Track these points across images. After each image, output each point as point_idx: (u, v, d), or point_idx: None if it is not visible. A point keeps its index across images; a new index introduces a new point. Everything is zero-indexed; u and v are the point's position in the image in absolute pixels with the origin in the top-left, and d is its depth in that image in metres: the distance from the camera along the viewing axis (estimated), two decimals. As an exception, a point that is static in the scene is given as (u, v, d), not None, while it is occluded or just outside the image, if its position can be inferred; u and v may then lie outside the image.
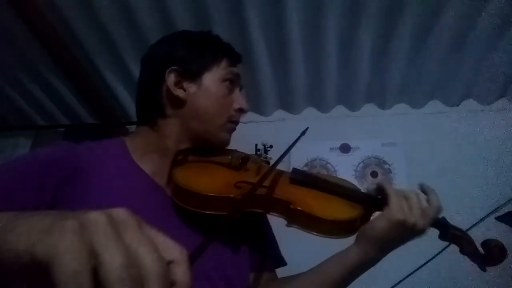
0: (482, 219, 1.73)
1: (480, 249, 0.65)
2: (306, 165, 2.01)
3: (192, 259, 0.38)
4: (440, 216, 0.67)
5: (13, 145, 2.33)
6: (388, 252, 0.65)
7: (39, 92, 2.09)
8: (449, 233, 0.66)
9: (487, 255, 0.64)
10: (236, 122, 0.76)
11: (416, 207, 0.62)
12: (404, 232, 0.62)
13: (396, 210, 0.61)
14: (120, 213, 0.28)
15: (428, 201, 0.66)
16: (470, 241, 0.66)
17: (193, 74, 0.72)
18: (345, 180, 0.76)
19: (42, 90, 2.08)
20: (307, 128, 0.81)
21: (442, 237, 0.67)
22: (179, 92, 0.71)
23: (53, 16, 1.56)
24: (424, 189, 0.68)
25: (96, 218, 0.26)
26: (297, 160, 1.93)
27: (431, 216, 0.64)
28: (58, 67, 1.70)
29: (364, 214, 0.67)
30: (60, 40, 1.58)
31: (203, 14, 1.56)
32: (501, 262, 0.63)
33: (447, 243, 0.68)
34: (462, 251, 0.66)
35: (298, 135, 0.79)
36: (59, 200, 0.57)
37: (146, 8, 1.56)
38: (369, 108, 2.10)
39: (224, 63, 0.74)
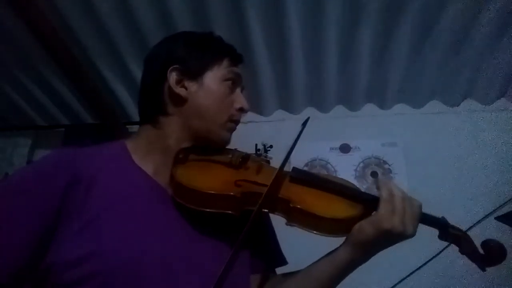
0: (482, 219, 1.73)
1: (480, 249, 0.65)
2: (306, 165, 2.01)
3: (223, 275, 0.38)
4: (440, 216, 0.67)
5: (13, 145, 2.33)
6: (375, 253, 0.65)
7: (39, 92, 2.09)
8: (449, 232, 0.66)
9: (487, 255, 0.64)
10: (236, 122, 0.77)
11: (408, 215, 0.61)
12: (392, 238, 0.62)
13: (384, 218, 0.61)
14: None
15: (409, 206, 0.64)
16: (470, 241, 0.66)
17: (194, 73, 0.72)
18: (345, 179, 0.77)
19: (42, 90, 2.08)
20: (308, 118, 0.81)
21: (441, 236, 0.67)
22: (180, 91, 0.71)
23: (53, 16, 1.56)
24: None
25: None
26: (297, 160, 1.93)
27: (417, 220, 0.63)
28: (58, 67, 1.70)
29: (363, 213, 0.67)
30: (60, 40, 1.58)
31: (203, 14, 1.57)
32: (500, 262, 0.63)
33: (447, 243, 0.68)
34: (461, 251, 0.66)
35: (298, 136, 0.79)
36: (64, 210, 0.57)
37: (146, 8, 1.56)
38: (369, 108, 2.10)
39: (225, 63, 0.75)
